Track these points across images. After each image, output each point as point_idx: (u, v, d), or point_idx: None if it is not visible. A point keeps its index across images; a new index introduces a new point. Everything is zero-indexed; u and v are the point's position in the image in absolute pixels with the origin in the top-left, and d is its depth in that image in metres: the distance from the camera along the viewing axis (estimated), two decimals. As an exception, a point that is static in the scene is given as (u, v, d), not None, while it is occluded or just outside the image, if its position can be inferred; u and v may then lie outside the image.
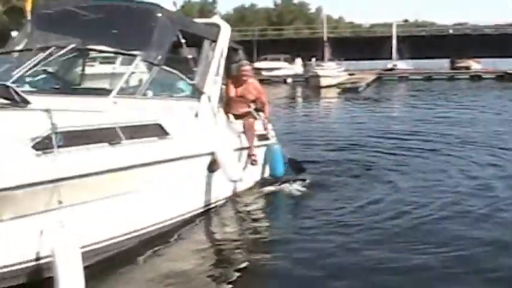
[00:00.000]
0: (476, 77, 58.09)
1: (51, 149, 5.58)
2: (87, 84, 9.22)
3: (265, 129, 10.65)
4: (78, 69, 9.28)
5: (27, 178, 5.42)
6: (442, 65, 70.83)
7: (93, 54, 9.70)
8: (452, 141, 16.16)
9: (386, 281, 6.25)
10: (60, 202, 5.59)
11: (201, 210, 8.53)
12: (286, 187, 10.22)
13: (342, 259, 6.92)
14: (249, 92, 10.04)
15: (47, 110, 5.64)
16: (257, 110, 10.33)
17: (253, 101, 10.20)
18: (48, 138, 5.58)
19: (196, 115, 8.25)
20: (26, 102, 5.86)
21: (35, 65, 7.08)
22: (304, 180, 10.54)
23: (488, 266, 6.56)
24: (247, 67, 10.17)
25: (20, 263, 5.72)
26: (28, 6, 10.70)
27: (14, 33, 9.13)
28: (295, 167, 11.06)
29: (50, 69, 8.05)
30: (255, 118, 10.26)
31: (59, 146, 5.64)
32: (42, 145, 5.56)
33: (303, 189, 10.15)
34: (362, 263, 6.75)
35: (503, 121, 21.18)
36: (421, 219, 8.37)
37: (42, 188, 5.57)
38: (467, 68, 66.44)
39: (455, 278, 6.29)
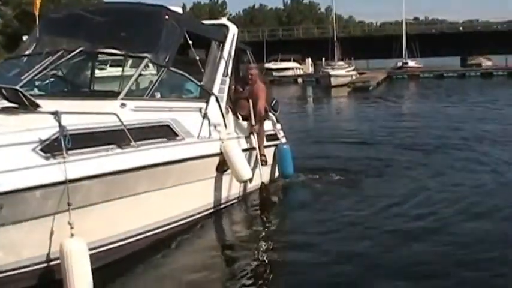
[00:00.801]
0: (487, 75, 57.74)
1: (60, 151, 5.62)
2: (97, 87, 9.26)
3: (274, 125, 10.64)
4: (87, 72, 9.32)
5: (36, 180, 5.45)
6: (453, 62, 70.54)
7: (102, 57, 9.72)
8: (468, 137, 16.15)
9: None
10: (69, 204, 5.61)
11: (211, 211, 8.56)
12: (298, 186, 10.22)
13: (355, 262, 6.82)
14: (254, 95, 10.03)
15: (56, 113, 5.67)
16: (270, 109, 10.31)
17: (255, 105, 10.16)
18: (56, 140, 5.61)
19: (205, 116, 8.26)
20: (35, 105, 5.91)
21: (44, 69, 7.13)
22: (315, 179, 10.54)
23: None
24: (253, 71, 10.16)
25: (29, 265, 5.77)
26: (37, 11, 10.73)
27: (25, 38, 9.19)
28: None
29: (59, 73, 8.08)
30: (265, 117, 10.27)
31: (68, 149, 5.67)
32: (51, 148, 5.60)
33: (315, 188, 10.14)
34: (380, 267, 6.63)
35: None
36: (445, 220, 8.28)
37: (51, 191, 5.61)
38: (479, 65, 66.17)
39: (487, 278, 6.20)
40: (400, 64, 67.09)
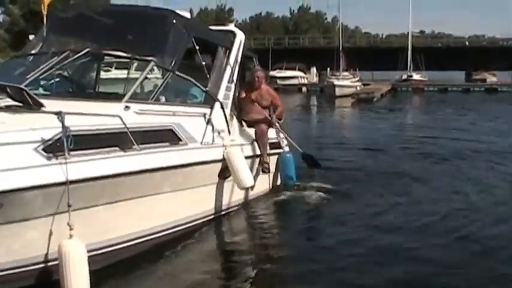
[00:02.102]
0: (492, 90, 57.76)
1: (62, 152, 5.58)
2: (102, 88, 9.24)
3: (278, 133, 10.63)
4: (93, 74, 9.31)
5: (37, 180, 5.42)
6: (457, 77, 70.64)
7: (108, 59, 9.70)
8: (469, 150, 16.31)
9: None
10: (69, 205, 5.58)
11: (212, 217, 8.53)
12: (300, 194, 10.19)
13: (356, 272, 6.80)
14: (263, 97, 10.01)
15: (59, 113, 5.64)
16: (272, 114, 10.32)
17: (268, 107, 10.17)
18: (59, 141, 5.58)
19: (209, 122, 8.23)
20: (39, 105, 5.88)
21: (49, 69, 7.09)
22: (318, 187, 10.52)
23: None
24: (259, 73, 10.14)
25: (28, 265, 5.74)
26: (44, 10, 10.72)
27: (31, 37, 9.18)
28: (310, 162, 11.01)
29: (64, 73, 8.06)
30: (272, 124, 10.27)
31: (70, 149, 5.64)
32: (53, 148, 5.57)
33: (317, 196, 10.12)
34: (379, 278, 6.59)
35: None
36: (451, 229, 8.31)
37: (52, 191, 5.57)
38: (483, 80, 66.27)
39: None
40: (404, 77, 67.12)
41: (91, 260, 5.68)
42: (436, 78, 68.25)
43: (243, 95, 9.93)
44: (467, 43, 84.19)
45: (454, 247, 7.59)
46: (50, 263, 5.83)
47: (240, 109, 9.77)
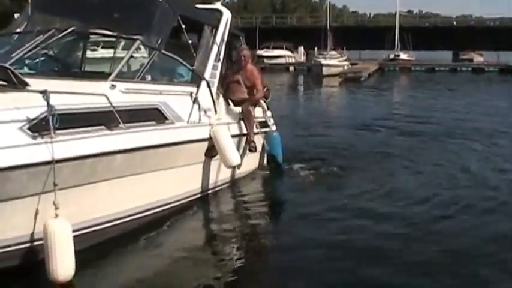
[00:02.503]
0: (479, 70, 57.84)
1: (48, 131, 5.55)
2: (88, 68, 9.18)
3: (265, 112, 10.62)
4: (79, 53, 9.22)
5: (22, 159, 5.40)
6: (445, 56, 70.76)
7: (95, 38, 9.64)
8: (455, 129, 16.48)
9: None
10: (55, 184, 5.56)
11: (199, 195, 8.54)
12: (287, 173, 10.23)
13: (343, 247, 6.87)
14: (246, 78, 9.96)
15: (44, 92, 5.61)
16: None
17: (251, 88, 10.13)
18: (44, 120, 5.55)
19: (195, 101, 8.21)
20: (24, 84, 5.82)
21: (34, 47, 7.01)
22: (304, 166, 10.56)
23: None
24: (246, 52, 10.08)
25: (13, 245, 5.73)
26: (29, -11, 10.61)
27: (16, 16, 9.09)
28: None
29: (49, 52, 7.99)
30: (256, 104, 10.26)
31: (56, 128, 5.61)
32: (39, 127, 5.53)
33: (304, 175, 10.16)
34: (374, 259, 6.55)
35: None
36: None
37: (37, 170, 5.55)
38: (470, 60, 66.35)
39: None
40: (392, 56, 67.15)
41: (76, 239, 5.69)
42: (424, 57, 68.28)
43: (229, 74, 9.89)
44: (454, 23, 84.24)
45: (440, 233, 7.54)
46: (35, 243, 5.82)
47: (226, 88, 9.74)
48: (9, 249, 5.71)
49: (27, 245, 5.85)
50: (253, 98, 9.93)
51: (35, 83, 5.90)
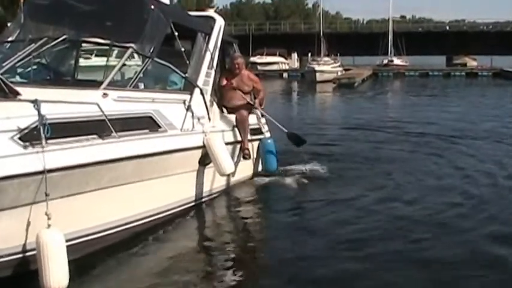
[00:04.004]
0: (472, 74, 58.11)
1: (39, 140, 5.50)
2: (81, 76, 9.11)
3: (259, 119, 10.61)
4: (71, 61, 9.13)
5: (13, 169, 5.34)
6: (438, 61, 71.01)
7: (88, 46, 9.59)
8: (448, 133, 16.55)
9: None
10: (47, 194, 5.52)
11: (193, 204, 8.50)
12: (281, 180, 10.20)
13: (337, 254, 6.87)
14: (244, 83, 9.93)
15: (35, 101, 5.56)
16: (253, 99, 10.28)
17: (249, 92, 10.11)
18: (35, 129, 5.50)
19: (189, 108, 8.17)
20: (15, 93, 5.77)
21: (26, 56, 6.98)
22: (299, 173, 10.54)
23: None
24: (239, 59, 10.07)
25: (5, 256, 5.67)
26: (22, -2, 10.55)
27: (9, 25, 9.04)
28: (296, 140, 10.95)
29: (42, 61, 7.95)
30: (254, 109, 10.28)
31: (47, 138, 5.56)
32: (30, 136, 5.48)
33: (298, 182, 10.13)
34: (361, 259, 6.62)
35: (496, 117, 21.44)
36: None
37: (29, 180, 5.50)
38: (464, 65, 66.61)
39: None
40: (385, 61, 67.39)
41: (69, 249, 5.63)
42: (417, 62, 68.53)
43: (224, 81, 9.86)
44: (447, 27, 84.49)
45: (434, 233, 7.57)
46: (27, 253, 5.76)
47: (220, 96, 9.72)
48: (1, 260, 5.65)
49: (20, 255, 5.78)
50: (259, 99, 10.21)
51: (27, 92, 5.85)
